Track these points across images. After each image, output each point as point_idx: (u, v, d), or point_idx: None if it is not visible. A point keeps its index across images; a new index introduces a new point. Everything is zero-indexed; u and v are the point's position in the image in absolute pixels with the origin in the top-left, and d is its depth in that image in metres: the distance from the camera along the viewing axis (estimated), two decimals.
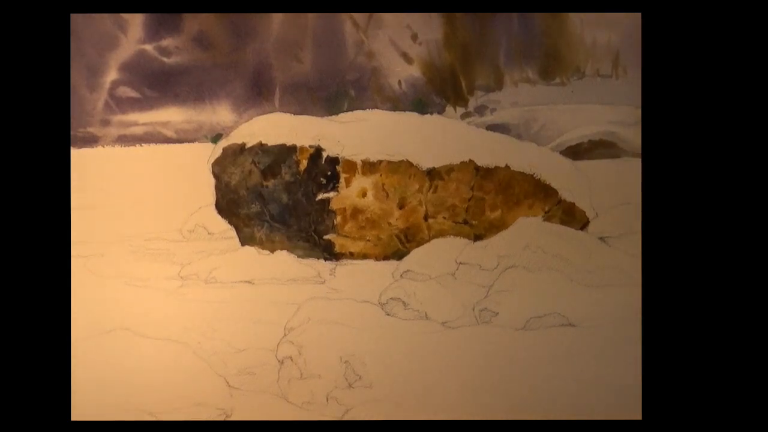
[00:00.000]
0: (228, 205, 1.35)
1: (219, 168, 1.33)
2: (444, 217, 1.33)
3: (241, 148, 1.32)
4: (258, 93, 1.29)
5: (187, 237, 1.36)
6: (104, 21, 1.23)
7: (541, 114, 1.27)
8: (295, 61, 1.26)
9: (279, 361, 1.34)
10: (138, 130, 1.31)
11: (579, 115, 1.27)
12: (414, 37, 1.23)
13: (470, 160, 1.30)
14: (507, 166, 1.30)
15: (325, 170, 1.32)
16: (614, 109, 1.26)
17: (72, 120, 1.29)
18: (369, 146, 1.31)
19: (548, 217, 1.33)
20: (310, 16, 1.22)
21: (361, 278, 1.35)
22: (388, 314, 1.35)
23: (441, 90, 1.27)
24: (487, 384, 1.33)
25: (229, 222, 1.35)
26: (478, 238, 1.34)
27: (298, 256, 1.36)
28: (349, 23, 1.23)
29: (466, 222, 1.33)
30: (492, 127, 1.29)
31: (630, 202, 1.35)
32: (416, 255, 1.35)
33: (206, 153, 1.33)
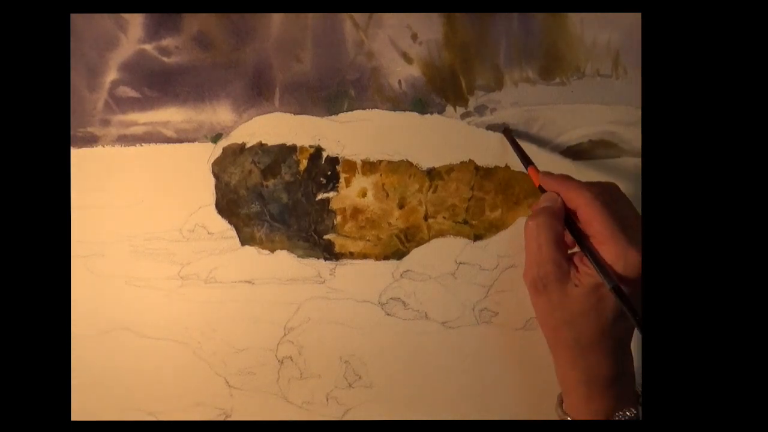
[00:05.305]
0: (228, 205, 1.35)
1: (219, 168, 1.33)
2: (444, 217, 1.33)
3: (241, 148, 1.32)
4: (258, 93, 1.28)
5: (187, 237, 1.35)
6: (104, 21, 1.23)
7: (541, 114, 1.27)
8: (295, 61, 1.26)
9: (279, 361, 1.34)
10: (138, 130, 1.31)
11: (579, 115, 1.26)
12: (414, 37, 1.23)
13: (470, 160, 1.29)
14: (507, 166, 1.30)
15: (325, 170, 1.32)
16: (614, 109, 1.25)
17: (72, 120, 1.28)
18: (369, 146, 1.31)
19: None
20: (310, 16, 1.22)
21: (361, 278, 1.35)
22: (388, 314, 1.35)
23: (441, 90, 1.26)
24: (487, 384, 1.33)
25: (229, 222, 1.35)
26: (478, 238, 1.34)
27: (298, 256, 1.35)
28: (349, 23, 1.22)
29: (466, 222, 1.33)
30: (492, 127, 1.28)
31: None
32: (416, 255, 1.34)
33: (206, 153, 1.32)
